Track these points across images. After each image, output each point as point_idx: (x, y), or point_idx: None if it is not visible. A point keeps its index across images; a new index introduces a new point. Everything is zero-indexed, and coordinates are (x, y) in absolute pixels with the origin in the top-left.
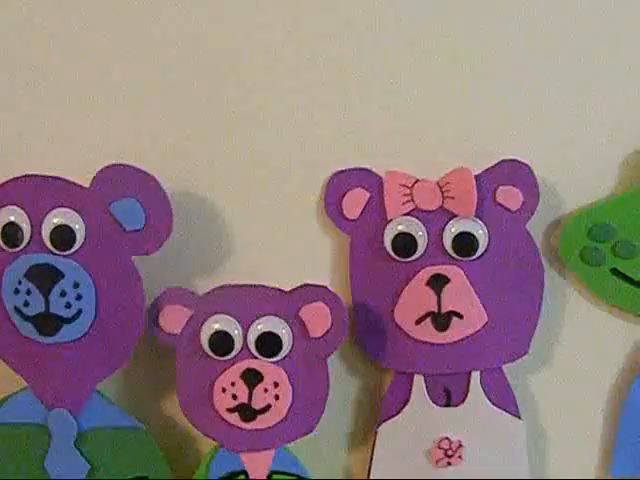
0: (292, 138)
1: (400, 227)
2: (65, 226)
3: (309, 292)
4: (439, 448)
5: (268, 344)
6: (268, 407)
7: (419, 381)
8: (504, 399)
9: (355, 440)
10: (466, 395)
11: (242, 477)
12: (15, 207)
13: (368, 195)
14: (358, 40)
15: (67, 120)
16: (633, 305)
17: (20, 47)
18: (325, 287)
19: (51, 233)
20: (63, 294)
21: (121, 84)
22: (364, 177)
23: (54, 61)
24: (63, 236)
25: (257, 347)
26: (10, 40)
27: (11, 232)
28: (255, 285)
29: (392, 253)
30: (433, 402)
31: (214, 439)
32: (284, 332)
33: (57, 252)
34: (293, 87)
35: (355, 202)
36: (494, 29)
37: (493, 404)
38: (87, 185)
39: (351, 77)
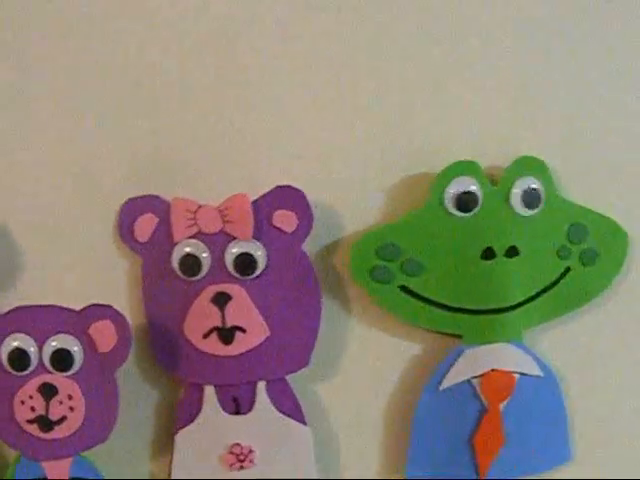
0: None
1: (186, 249)
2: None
3: (96, 311)
4: (231, 453)
5: (61, 360)
6: (64, 418)
7: (210, 391)
8: (290, 407)
9: (157, 447)
10: (253, 404)
11: None
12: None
13: (157, 220)
14: None
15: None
16: (421, 320)
17: None
18: (110, 306)
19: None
20: None
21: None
22: (154, 203)
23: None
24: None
25: (51, 363)
26: None
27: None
28: (49, 305)
29: (179, 273)
30: (224, 410)
31: (16, 449)
32: (76, 349)
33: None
34: None
35: (145, 226)
36: None
37: (279, 411)
38: None
39: None
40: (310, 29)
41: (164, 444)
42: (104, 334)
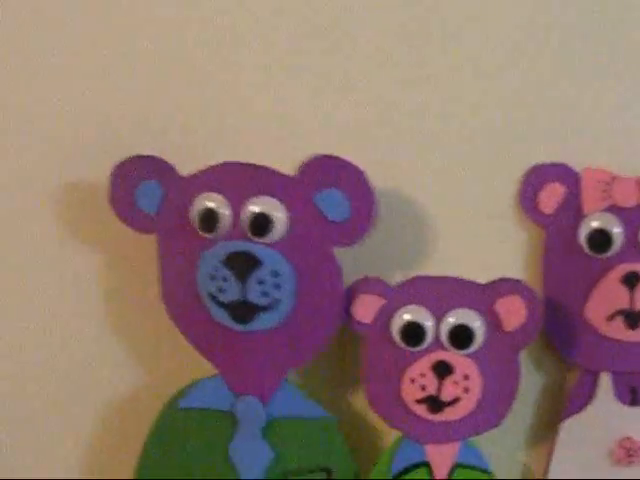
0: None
1: (596, 223)
2: (265, 215)
3: (505, 285)
4: (621, 447)
5: (460, 336)
6: (457, 400)
7: (606, 379)
8: None
9: (535, 436)
10: None
11: (424, 469)
12: (215, 193)
13: (564, 190)
14: None
15: None
16: None
17: None
18: (521, 281)
19: (252, 220)
20: (261, 282)
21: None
22: (561, 172)
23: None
24: (264, 223)
25: (449, 339)
26: None
27: (209, 217)
28: (449, 277)
29: (587, 249)
30: (619, 400)
31: (399, 429)
32: (477, 325)
33: (257, 240)
34: None
35: (551, 196)
36: None
37: None
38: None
39: None
40: None
41: (546, 436)
42: (512, 311)
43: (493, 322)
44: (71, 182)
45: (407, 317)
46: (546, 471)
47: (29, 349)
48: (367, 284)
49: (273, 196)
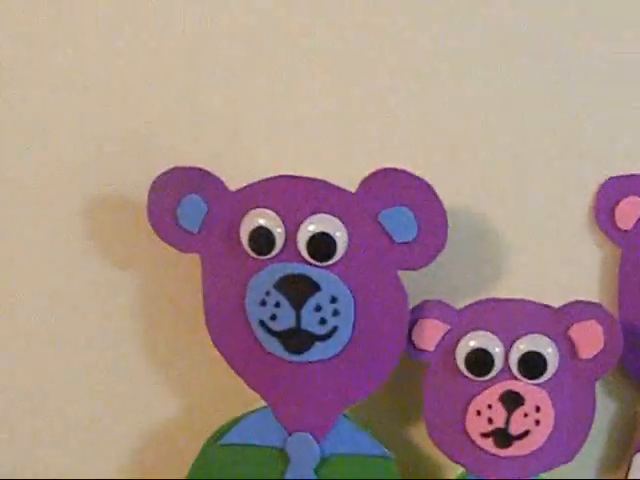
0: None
1: None
2: (325, 234)
3: (580, 309)
4: None
5: (532, 364)
6: (526, 433)
7: None
8: None
9: (608, 468)
10: None
11: None
12: (268, 210)
13: None
14: None
15: None
16: None
17: None
18: (598, 304)
19: (308, 241)
20: (318, 309)
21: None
22: (639, 184)
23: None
24: (322, 245)
25: (519, 367)
26: None
27: (261, 237)
28: (519, 300)
29: None
30: None
31: (463, 465)
32: (550, 352)
33: (314, 262)
34: None
35: (629, 211)
36: None
37: None
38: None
39: None
40: None
41: (615, 464)
42: (589, 337)
43: (567, 349)
44: (104, 196)
45: (474, 344)
46: None
47: (71, 376)
48: (429, 308)
49: (333, 214)
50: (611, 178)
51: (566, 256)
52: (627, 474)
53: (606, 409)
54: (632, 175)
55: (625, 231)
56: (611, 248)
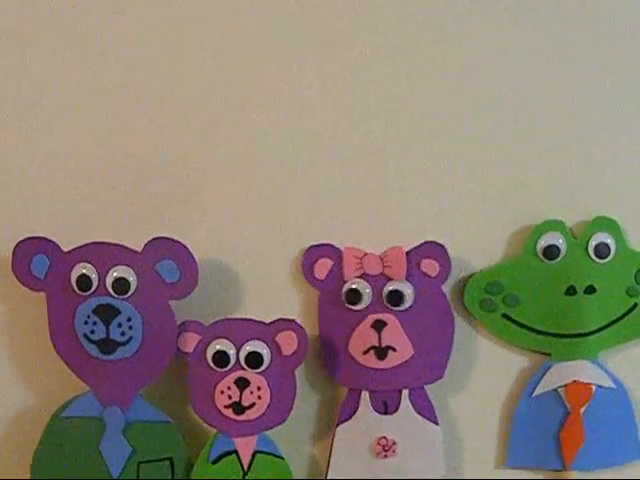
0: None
1: (352, 285)
2: (123, 278)
3: (283, 324)
4: (379, 444)
5: (254, 360)
6: (253, 404)
7: (365, 395)
8: (426, 410)
9: (319, 436)
10: (398, 406)
11: (234, 456)
12: (87, 264)
13: (332, 263)
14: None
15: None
16: (519, 341)
17: None
18: (294, 320)
19: (113, 282)
20: (119, 325)
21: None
22: (329, 250)
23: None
24: (121, 285)
25: (246, 362)
26: None
27: (83, 281)
28: (245, 318)
29: (346, 303)
30: (375, 411)
31: (214, 427)
32: (265, 352)
33: (116, 296)
34: None
35: (323, 267)
36: None
37: (418, 413)
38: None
39: None
40: None
41: (325, 434)
42: (288, 341)
43: (275, 349)
44: None
45: (217, 347)
46: (329, 459)
47: None
48: (189, 325)
49: (128, 265)
50: (311, 245)
51: (281, 294)
52: (332, 440)
53: (317, 395)
54: (323, 244)
55: (320, 280)
56: (311, 290)
